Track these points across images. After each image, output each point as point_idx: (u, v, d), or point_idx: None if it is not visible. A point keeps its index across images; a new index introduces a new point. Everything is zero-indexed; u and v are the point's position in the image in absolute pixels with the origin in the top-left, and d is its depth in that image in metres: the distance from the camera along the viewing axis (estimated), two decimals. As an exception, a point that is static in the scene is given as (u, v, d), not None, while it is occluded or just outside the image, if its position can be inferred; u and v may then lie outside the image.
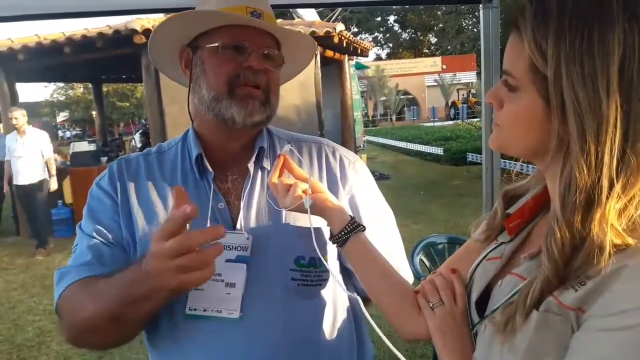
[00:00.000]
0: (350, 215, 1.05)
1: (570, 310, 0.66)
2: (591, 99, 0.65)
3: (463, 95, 35.21)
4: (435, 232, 5.81)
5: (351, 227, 1.03)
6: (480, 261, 0.91)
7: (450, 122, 26.82)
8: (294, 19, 9.86)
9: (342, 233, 1.03)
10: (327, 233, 1.09)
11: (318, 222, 1.07)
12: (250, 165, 1.16)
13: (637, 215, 0.66)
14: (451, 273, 0.97)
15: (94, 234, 1.12)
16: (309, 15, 10.16)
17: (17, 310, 5.25)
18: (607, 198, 0.65)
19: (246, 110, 1.08)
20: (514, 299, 0.73)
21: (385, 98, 35.97)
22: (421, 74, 38.08)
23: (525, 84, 0.72)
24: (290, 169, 1.09)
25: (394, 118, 35.58)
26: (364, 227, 1.05)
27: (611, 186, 0.65)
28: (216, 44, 1.09)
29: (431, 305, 0.93)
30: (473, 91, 34.78)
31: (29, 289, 5.82)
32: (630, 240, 0.64)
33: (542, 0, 0.71)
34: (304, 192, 1.04)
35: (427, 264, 3.25)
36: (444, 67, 37.66)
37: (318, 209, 1.04)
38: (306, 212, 1.03)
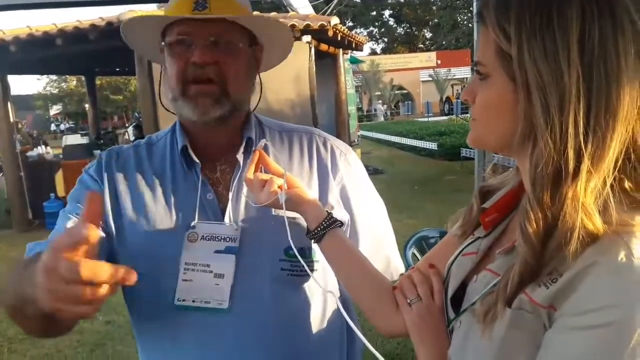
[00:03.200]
0: (327, 211, 1.04)
1: (542, 308, 0.66)
2: (553, 72, 0.65)
3: (457, 90, 35.21)
4: (430, 227, 5.84)
5: (327, 222, 1.02)
6: (457, 256, 0.91)
7: (445, 117, 26.85)
8: (288, 12, 9.82)
9: (319, 229, 1.02)
10: None
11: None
12: (239, 156, 1.15)
13: (606, 194, 0.66)
14: (429, 268, 0.97)
15: (71, 215, 1.10)
16: (304, 9, 10.12)
17: (9, 303, 5.22)
18: (576, 173, 0.65)
19: (197, 110, 1.06)
20: (493, 290, 0.73)
21: (380, 93, 35.95)
22: (416, 69, 38.05)
23: (494, 69, 0.72)
24: (266, 164, 1.08)
25: (388, 113, 35.59)
26: (341, 222, 1.04)
27: (578, 159, 0.65)
28: (165, 43, 1.09)
29: (409, 301, 0.93)
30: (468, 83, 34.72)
31: (21, 282, 5.79)
32: (600, 225, 0.64)
33: None
34: (279, 187, 1.03)
35: (420, 257, 3.27)
36: (439, 62, 37.60)
37: (293, 204, 1.03)
38: (281, 208, 1.02)
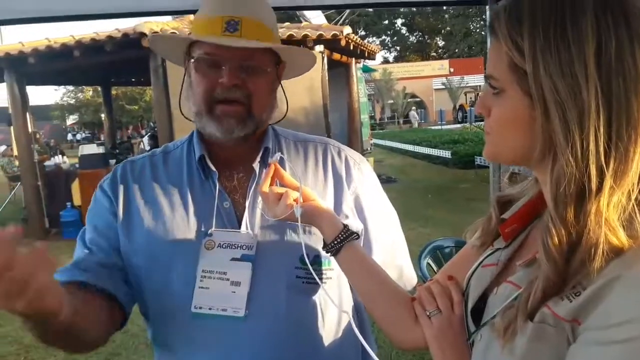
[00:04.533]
0: (343, 224, 1.03)
1: (565, 321, 0.65)
2: (570, 87, 0.64)
3: (471, 98, 35.06)
4: (443, 236, 5.79)
5: (344, 235, 1.01)
6: (476, 267, 0.89)
7: (458, 125, 26.72)
8: (301, 22, 9.88)
9: (336, 242, 1.01)
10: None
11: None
12: (256, 165, 1.16)
13: (631, 208, 0.64)
14: (448, 280, 0.95)
15: (88, 241, 1.14)
16: (317, 18, 10.18)
17: (25, 311, 5.27)
18: (599, 189, 0.64)
19: (222, 130, 1.09)
20: (513, 303, 0.72)
21: (392, 101, 35.91)
22: (429, 77, 37.98)
23: (508, 84, 0.71)
24: (281, 177, 1.08)
25: (401, 121, 35.51)
26: (357, 235, 1.04)
27: (601, 175, 0.64)
28: (194, 59, 1.10)
29: (428, 313, 0.91)
30: (481, 94, 34.55)
31: (38, 290, 5.85)
32: (625, 240, 0.63)
33: (514, 1, 0.71)
34: (295, 200, 1.03)
35: (435, 267, 3.25)
36: (452, 70, 37.53)
37: (309, 217, 1.03)
38: (296, 221, 1.02)
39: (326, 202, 1.12)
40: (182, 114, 1.19)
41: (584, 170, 0.64)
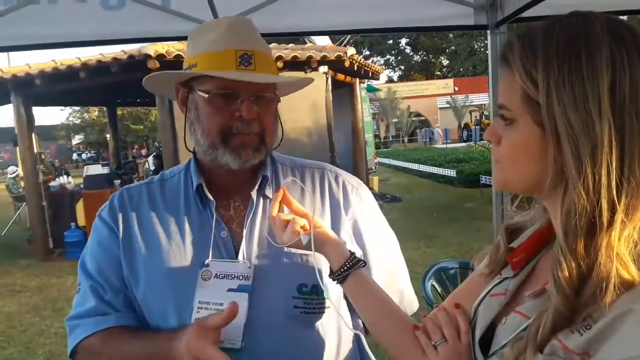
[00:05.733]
0: (350, 251, 1.03)
1: (576, 354, 0.64)
2: (584, 122, 0.64)
3: (476, 117, 35.16)
4: (448, 256, 5.74)
5: (351, 263, 1.00)
6: (484, 296, 0.88)
7: (463, 144, 26.74)
8: (305, 43, 9.97)
9: (342, 270, 1.00)
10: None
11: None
12: (253, 194, 1.16)
13: None
14: (454, 308, 0.94)
15: (95, 273, 1.14)
16: (321, 39, 10.26)
17: (28, 333, 5.25)
18: (611, 224, 0.64)
19: (240, 160, 1.10)
20: (523, 334, 0.71)
21: (397, 120, 36.04)
22: (433, 96, 38.16)
23: (520, 115, 0.71)
24: (288, 203, 1.08)
25: (405, 140, 35.59)
26: (364, 262, 1.03)
27: (612, 209, 0.64)
28: (206, 94, 1.09)
29: (434, 343, 0.89)
30: (486, 113, 34.67)
31: (41, 311, 5.83)
32: (635, 273, 0.62)
33: (527, 33, 0.71)
34: (302, 227, 1.02)
35: (439, 289, 3.21)
36: (456, 89, 37.72)
37: (316, 245, 1.02)
38: (304, 249, 1.02)
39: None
40: (188, 149, 1.19)
41: (595, 203, 0.64)
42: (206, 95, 1.09)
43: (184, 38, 2.11)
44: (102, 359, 1.09)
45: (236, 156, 1.09)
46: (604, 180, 0.64)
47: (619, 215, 0.64)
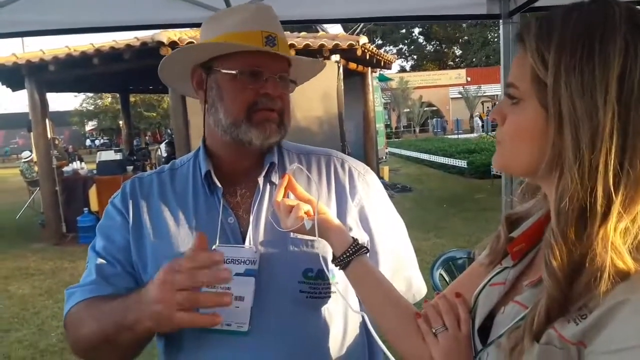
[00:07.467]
0: (352, 237, 1.04)
1: (572, 344, 0.65)
2: (587, 107, 0.64)
3: (488, 107, 34.87)
4: (458, 247, 5.74)
5: (353, 249, 1.01)
6: (484, 286, 0.89)
7: (475, 135, 26.57)
8: (317, 31, 9.93)
9: (345, 256, 1.01)
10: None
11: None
12: (260, 180, 1.17)
13: (636, 232, 0.64)
14: (455, 297, 0.95)
15: (103, 253, 1.16)
16: (333, 28, 10.21)
17: (41, 315, 5.36)
18: (607, 214, 0.64)
19: (264, 135, 1.12)
20: (520, 323, 0.72)
21: (408, 110, 35.84)
22: (445, 86, 37.89)
23: (527, 95, 0.72)
24: (293, 189, 1.09)
25: (417, 130, 35.41)
26: (367, 249, 1.04)
27: (609, 199, 0.64)
28: (233, 71, 1.11)
29: (434, 330, 0.90)
30: (499, 102, 34.27)
31: (54, 294, 5.93)
32: (631, 263, 0.63)
33: (547, 15, 0.71)
34: (306, 213, 1.04)
35: (447, 278, 3.22)
36: (469, 79, 37.42)
37: (320, 231, 1.03)
38: (307, 234, 1.03)
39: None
40: (204, 130, 1.22)
41: (588, 190, 0.64)
42: (234, 72, 1.10)
43: (197, 25, 2.12)
44: (83, 323, 1.10)
45: (260, 131, 1.11)
46: (601, 167, 0.63)
47: (616, 207, 0.63)
